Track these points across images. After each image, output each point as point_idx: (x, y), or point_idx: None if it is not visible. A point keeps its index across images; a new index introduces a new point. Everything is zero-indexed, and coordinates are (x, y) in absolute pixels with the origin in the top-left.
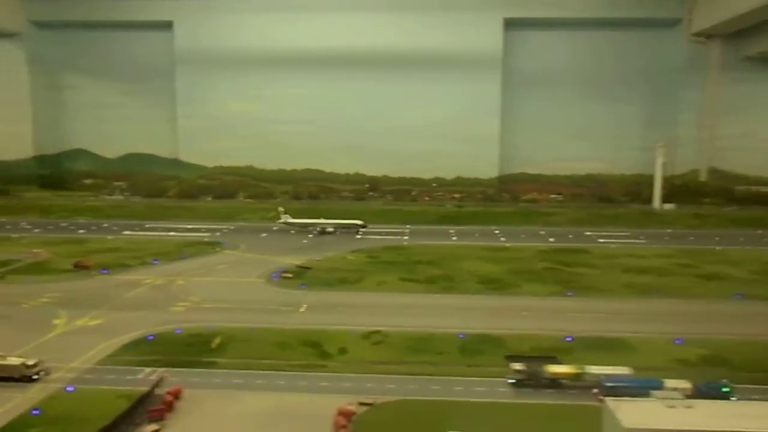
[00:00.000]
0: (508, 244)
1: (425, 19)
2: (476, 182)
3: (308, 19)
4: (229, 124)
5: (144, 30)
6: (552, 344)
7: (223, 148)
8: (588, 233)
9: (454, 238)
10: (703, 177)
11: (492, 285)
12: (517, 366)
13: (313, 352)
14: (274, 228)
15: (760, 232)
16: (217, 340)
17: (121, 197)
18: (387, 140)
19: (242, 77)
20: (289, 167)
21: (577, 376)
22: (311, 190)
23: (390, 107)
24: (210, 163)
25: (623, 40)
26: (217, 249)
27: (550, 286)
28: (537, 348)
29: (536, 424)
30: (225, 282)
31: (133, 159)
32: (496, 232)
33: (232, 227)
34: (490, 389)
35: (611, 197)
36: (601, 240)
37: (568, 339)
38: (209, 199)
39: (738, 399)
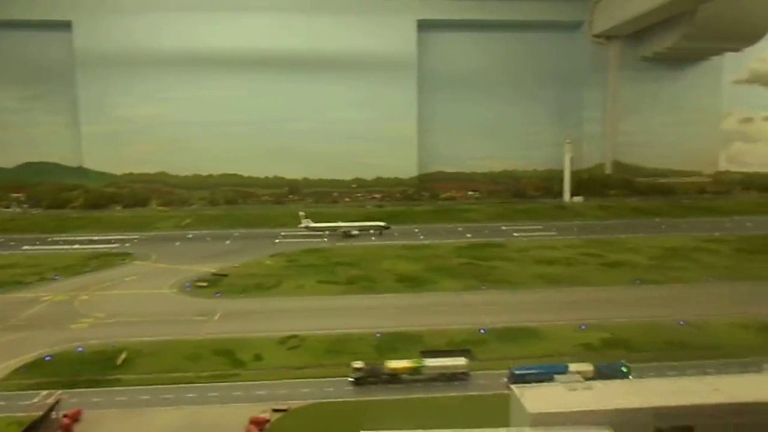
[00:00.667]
0: (427, 242)
1: (341, 21)
2: (396, 182)
3: (223, 18)
4: (138, 129)
5: (41, 30)
6: (467, 337)
7: (133, 154)
8: (503, 228)
9: (374, 239)
10: (608, 170)
11: (410, 283)
12: (357, 364)
13: (225, 361)
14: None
15: (658, 220)
16: (122, 356)
17: (19, 209)
18: (306, 142)
19: (152, 79)
20: (204, 172)
21: (415, 370)
22: (229, 196)
23: (309, 109)
24: (119, 171)
25: (532, 42)
26: (126, 260)
27: (467, 281)
28: (452, 342)
29: (449, 417)
30: (134, 294)
31: (32, 168)
32: (416, 230)
33: (143, 237)
34: (406, 386)
35: (525, 192)
36: (516, 234)
37: (482, 331)
38: (118, 208)
39: (634, 377)
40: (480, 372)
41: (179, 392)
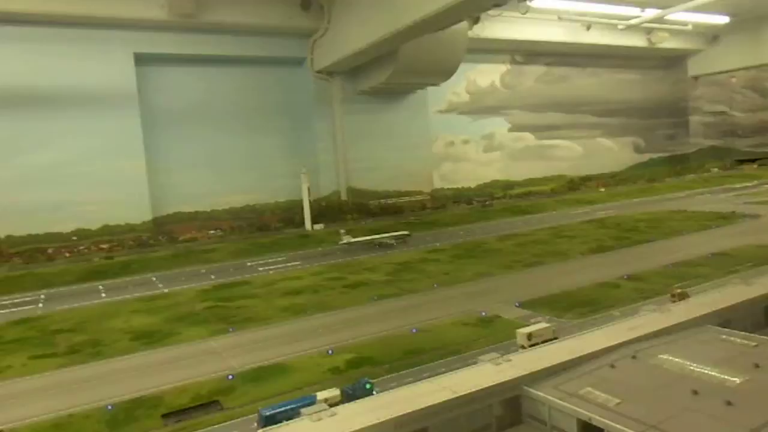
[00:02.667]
0: (166, 290)
1: (52, 50)
2: (128, 228)
3: None
4: None
5: None
6: (214, 387)
7: None
8: (249, 264)
9: (104, 295)
10: (343, 196)
11: (148, 339)
12: None
13: None
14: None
15: None
16: None
17: None
18: (7, 192)
19: None
20: None
21: None
22: None
23: (11, 152)
24: None
25: (263, 77)
26: None
27: (212, 326)
28: (198, 395)
29: None
30: None
31: None
32: (154, 279)
33: None
34: None
35: (269, 225)
36: (261, 268)
37: (230, 377)
38: None
39: (378, 392)
40: (228, 423)
41: None
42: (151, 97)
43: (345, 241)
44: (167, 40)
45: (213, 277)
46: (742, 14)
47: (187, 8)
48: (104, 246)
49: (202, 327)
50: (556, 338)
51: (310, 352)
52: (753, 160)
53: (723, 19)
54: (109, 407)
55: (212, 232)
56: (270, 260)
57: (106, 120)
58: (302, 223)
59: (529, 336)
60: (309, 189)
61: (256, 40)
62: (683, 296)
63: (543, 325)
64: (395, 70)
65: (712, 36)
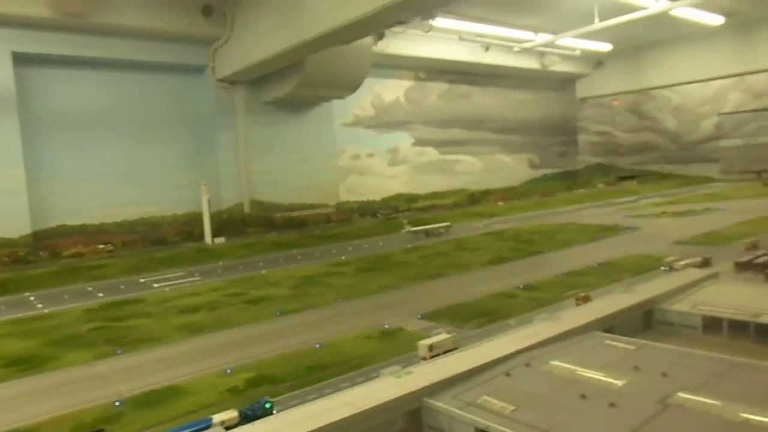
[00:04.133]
0: (47, 311)
1: None
2: (2, 243)
3: None
4: None
5: None
6: (99, 415)
7: None
8: (142, 280)
9: None
10: (246, 209)
11: (24, 365)
12: None
13: None
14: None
15: (295, 251)
16: None
17: None
18: None
19: None
20: None
21: None
22: None
23: None
24: None
25: (163, 83)
26: None
27: (99, 349)
28: (80, 425)
29: None
30: None
31: None
32: (32, 298)
33: None
34: None
35: (166, 239)
36: (157, 285)
37: (118, 404)
38: None
39: (278, 410)
40: None
41: None
42: (34, 101)
43: (406, 230)
44: (53, 41)
45: (101, 295)
46: (623, 43)
47: (73, 7)
48: None
49: (87, 350)
50: (456, 348)
51: (207, 373)
52: (633, 177)
53: (606, 47)
54: None
55: (102, 246)
56: (166, 276)
57: None
58: (202, 237)
59: (431, 347)
60: (210, 201)
61: (154, 46)
62: (587, 299)
63: (444, 336)
64: (300, 81)
65: (597, 61)
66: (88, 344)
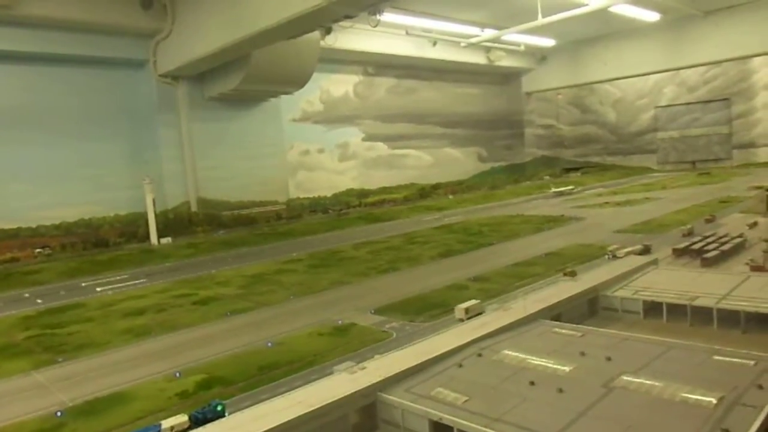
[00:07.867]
0: None
1: None
2: None
3: None
4: None
5: None
6: (37, 427)
7: None
8: (83, 285)
9: None
10: (193, 208)
11: None
12: None
13: None
14: None
15: (244, 249)
16: None
17: None
18: None
19: None
20: None
21: None
22: None
23: None
24: None
25: (98, 79)
26: None
27: (37, 357)
28: None
29: None
30: None
31: None
32: None
33: None
34: None
35: (107, 240)
36: (99, 288)
37: (59, 414)
38: None
39: (230, 413)
40: None
41: None
42: None
43: (553, 190)
44: None
45: (39, 301)
46: (565, 38)
47: None
48: None
49: (24, 359)
50: (483, 312)
51: (154, 377)
52: (577, 169)
53: (549, 42)
54: None
55: (38, 250)
56: (109, 279)
57: None
58: (147, 237)
59: (467, 310)
60: (154, 200)
61: (90, 39)
62: (573, 274)
63: (475, 301)
64: (246, 76)
65: (541, 56)
66: (25, 353)
